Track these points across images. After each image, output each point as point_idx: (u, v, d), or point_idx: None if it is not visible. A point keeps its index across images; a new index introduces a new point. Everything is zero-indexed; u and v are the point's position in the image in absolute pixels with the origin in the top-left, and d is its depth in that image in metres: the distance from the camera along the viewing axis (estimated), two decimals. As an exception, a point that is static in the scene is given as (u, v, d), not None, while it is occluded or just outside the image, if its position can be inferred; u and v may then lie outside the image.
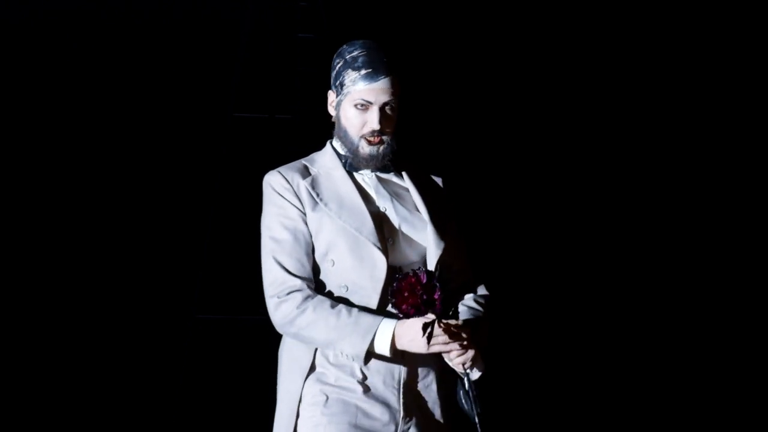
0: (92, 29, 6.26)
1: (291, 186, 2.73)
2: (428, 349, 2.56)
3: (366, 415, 2.66)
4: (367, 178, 2.79)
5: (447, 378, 2.75)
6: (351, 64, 2.72)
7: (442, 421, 2.74)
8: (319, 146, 2.87)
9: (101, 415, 6.03)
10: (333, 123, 2.81)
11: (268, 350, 4.44)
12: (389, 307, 2.60)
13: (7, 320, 6.09)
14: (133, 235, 6.27)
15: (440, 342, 2.56)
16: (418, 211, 2.77)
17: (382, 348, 2.60)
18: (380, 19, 6.20)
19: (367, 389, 2.67)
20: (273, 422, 2.76)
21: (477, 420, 2.62)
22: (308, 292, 2.66)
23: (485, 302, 2.79)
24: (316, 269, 2.71)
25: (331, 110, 2.81)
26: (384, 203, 2.76)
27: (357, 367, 2.67)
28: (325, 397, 2.66)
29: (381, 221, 2.72)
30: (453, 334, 2.56)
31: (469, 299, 2.78)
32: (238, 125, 6.28)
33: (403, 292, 2.52)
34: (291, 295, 2.66)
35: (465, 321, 2.62)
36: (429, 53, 6.39)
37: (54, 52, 6.22)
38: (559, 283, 6.47)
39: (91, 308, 6.19)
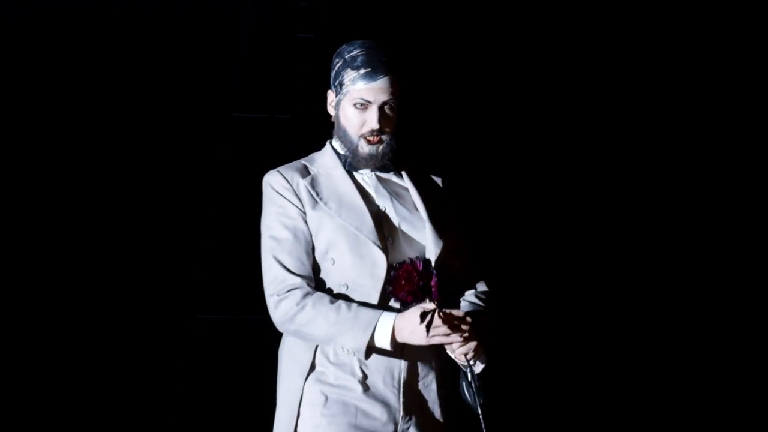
0: (92, 29, 6.26)
1: (291, 185, 2.74)
2: (428, 339, 2.55)
3: (365, 415, 2.66)
4: (366, 177, 2.79)
5: (447, 377, 2.75)
6: (350, 64, 2.73)
7: (441, 420, 2.74)
8: (319, 146, 2.88)
9: (101, 415, 6.04)
10: (332, 123, 2.82)
11: (268, 350, 4.43)
12: (389, 303, 2.61)
13: (7, 320, 6.09)
14: (133, 235, 6.27)
15: (440, 333, 2.55)
16: (417, 210, 2.78)
17: (383, 341, 2.60)
18: (380, 19, 6.21)
19: (366, 388, 2.67)
20: (273, 422, 2.76)
21: (480, 411, 2.62)
22: (307, 289, 2.66)
23: (486, 298, 2.81)
24: (316, 268, 2.71)
25: (331, 110, 2.81)
26: (383, 202, 2.76)
27: (357, 365, 2.67)
28: (324, 398, 2.67)
29: (381, 220, 2.73)
30: (453, 324, 2.56)
31: (470, 295, 2.81)
32: (238, 125, 6.28)
33: (400, 280, 2.53)
34: (290, 292, 2.66)
35: (466, 312, 2.62)
36: (429, 53, 6.39)
37: (54, 52, 6.22)
38: (560, 280, 6.47)
39: (92, 308, 6.19)
